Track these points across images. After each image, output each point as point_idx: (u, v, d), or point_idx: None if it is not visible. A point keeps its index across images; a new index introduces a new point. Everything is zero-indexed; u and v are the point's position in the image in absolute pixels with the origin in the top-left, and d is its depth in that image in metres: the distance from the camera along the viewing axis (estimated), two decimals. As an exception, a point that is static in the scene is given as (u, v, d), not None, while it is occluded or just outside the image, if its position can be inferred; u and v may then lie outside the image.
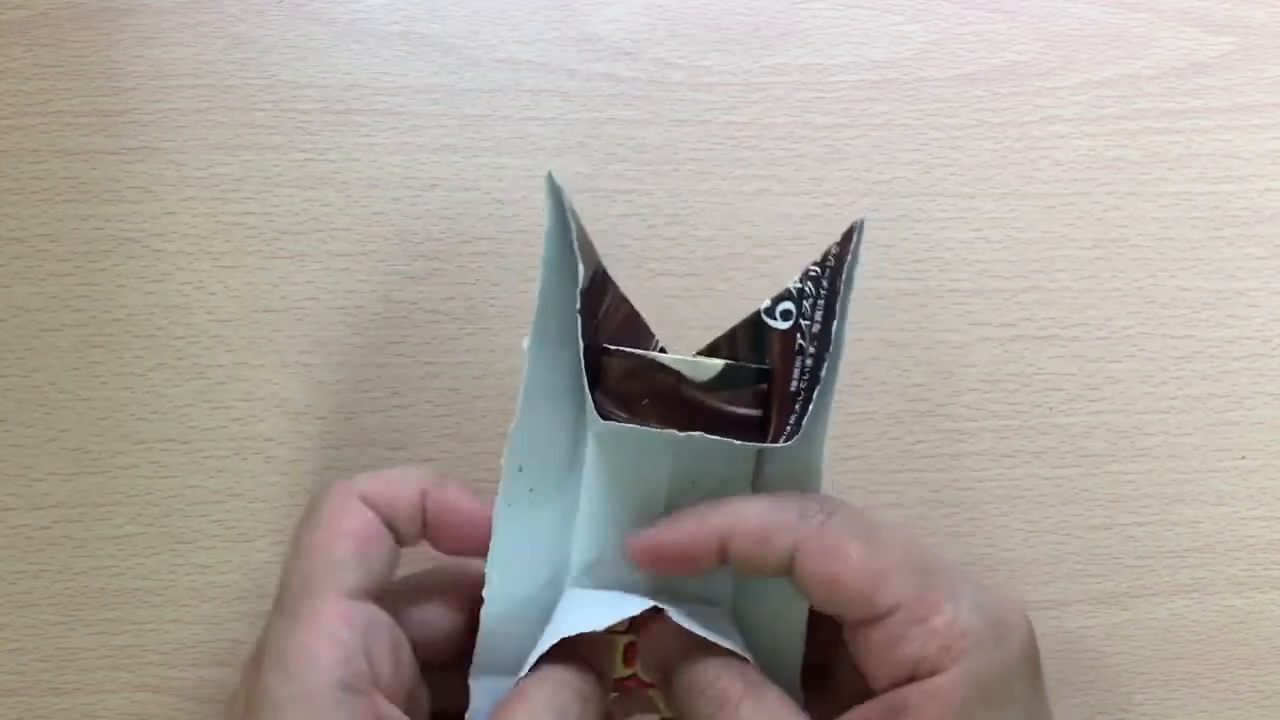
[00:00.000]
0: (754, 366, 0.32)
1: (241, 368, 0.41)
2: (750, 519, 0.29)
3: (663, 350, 0.33)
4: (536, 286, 0.30)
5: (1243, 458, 0.45)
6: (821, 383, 0.30)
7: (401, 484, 0.31)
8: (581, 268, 0.30)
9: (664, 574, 0.31)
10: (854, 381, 0.43)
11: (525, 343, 0.30)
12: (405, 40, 0.42)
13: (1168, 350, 0.45)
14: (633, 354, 0.32)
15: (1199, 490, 0.45)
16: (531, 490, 0.31)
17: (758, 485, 0.32)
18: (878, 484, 0.43)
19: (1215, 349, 0.45)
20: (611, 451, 0.31)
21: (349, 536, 0.30)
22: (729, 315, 0.43)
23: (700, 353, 0.33)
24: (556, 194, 0.30)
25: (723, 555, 0.30)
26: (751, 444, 0.31)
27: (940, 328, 0.44)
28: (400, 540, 0.31)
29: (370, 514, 0.31)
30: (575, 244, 0.30)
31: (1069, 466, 0.44)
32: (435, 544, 0.32)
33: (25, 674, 0.40)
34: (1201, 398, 0.45)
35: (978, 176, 0.44)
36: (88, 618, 0.40)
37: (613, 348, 0.32)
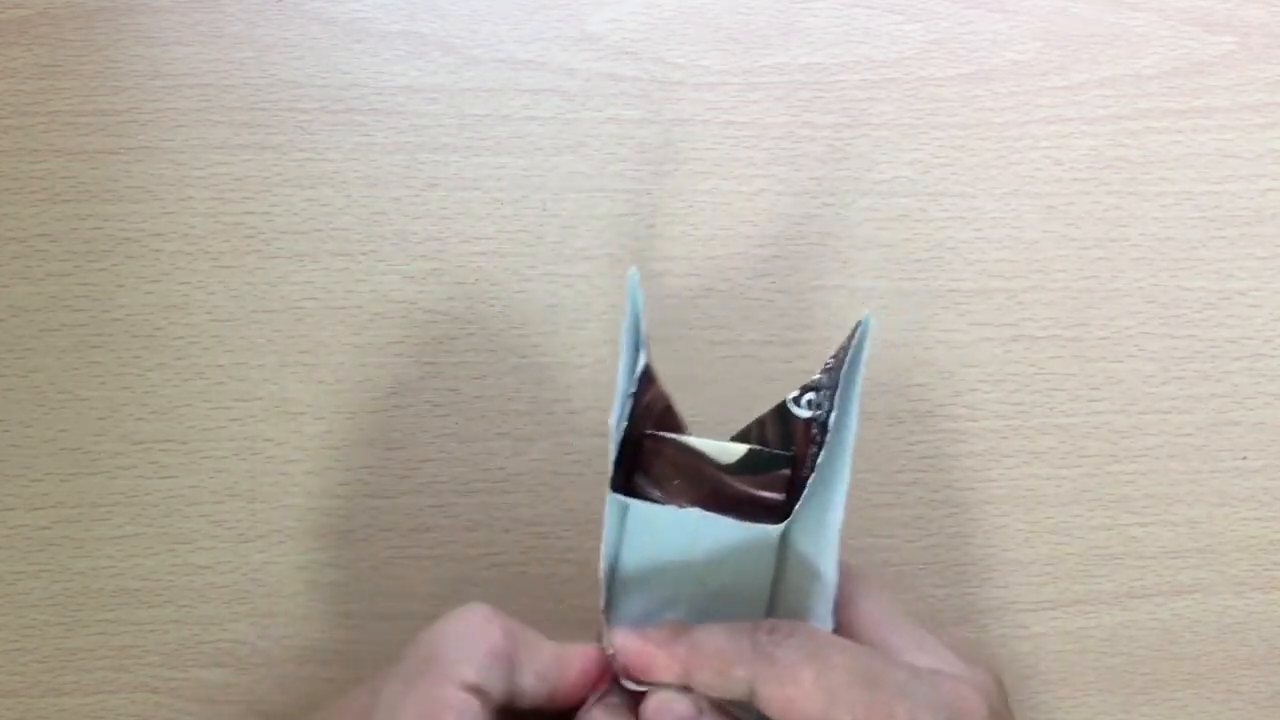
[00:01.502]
0: (778, 453, 0.33)
1: (241, 368, 0.41)
2: (707, 651, 0.31)
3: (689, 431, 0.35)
4: (621, 372, 0.32)
5: (1244, 458, 0.45)
6: (817, 470, 0.31)
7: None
8: (643, 355, 0.32)
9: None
10: (854, 381, 0.43)
11: (612, 420, 0.32)
12: (405, 40, 0.42)
13: (1169, 350, 0.45)
14: (671, 438, 0.34)
15: (1200, 490, 0.45)
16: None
17: (782, 565, 0.33)
18: (877, 484, 0.43)
19: (1216, 349, 0.45)
20: (643, 526, 0.33)
21: (485, 645, 0.31)
22: (729, 315, 0.43)
23: (733, 438, 0.34)
24: (635, 292, 0.32)
25: (686, 679, 0.31)
26: (754, 528, 0.32)
27: (940, 328, 0.44)
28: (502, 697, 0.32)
29: (506, 644, 0.32)
30: (643, 336, 0.32)
31: (1070, 467, 0.44)
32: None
33: (25, 674, 0.40)
34: (1202, 398, 0.45)
35: (978, 176, 0.44)
36: (87, 618, 0.40)
37: (654, 434, 0.34)
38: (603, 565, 0.32)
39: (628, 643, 0.31)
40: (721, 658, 0.30)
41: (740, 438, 0.34)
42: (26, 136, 0.40)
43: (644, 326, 0.33)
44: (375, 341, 0.41)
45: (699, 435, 0.34)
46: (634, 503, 0.32)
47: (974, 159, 0.44)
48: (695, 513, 0.32)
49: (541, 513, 0.42)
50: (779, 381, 0.43)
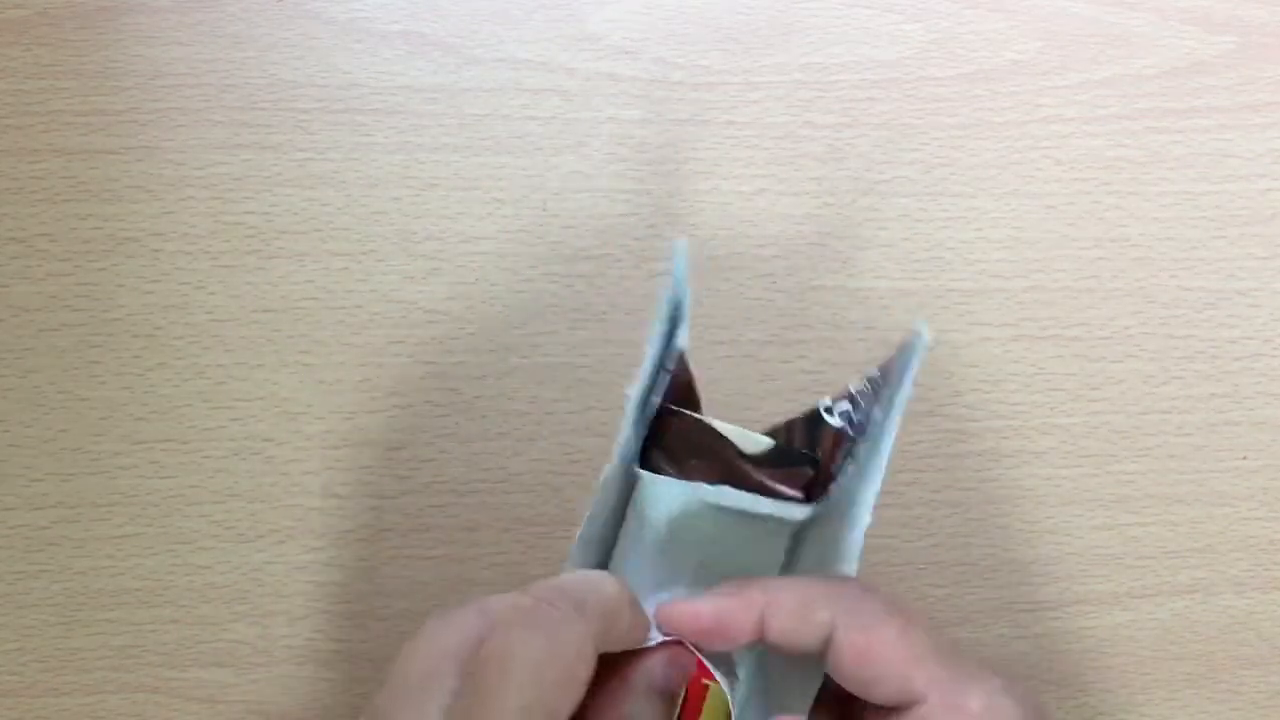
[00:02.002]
0: (805, 452, 0.33)
1: (241, 368, 0.41)
2: (789, 593, 0.29)
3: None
4: (651, 340, 0.31)
5: (1244, 458, 0.45)
6: (857, 462, 0.31)
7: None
8: (683, 332, 0.32)
9: (693, 642, 0.31)
10: (854, 381, 0.43)
11: (629, 389, 0.31)
12: (405, 39, 0.42)
13: (1169, 350, 0.45)
14: (692, 416, 0.33)
15: (1200, 490, 0.45)
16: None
17: (789, 566, 0.33)
18: (878, 484, 0.43)
19: (1216, 349, 0.45)
20: (653, 500, 0.33)
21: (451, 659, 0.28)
22: (729, 315, 0.43)
23: (763, 431, 0.34)
24: (681, 263, 0.31)
25: (759, 631, 0.30)
26: (782, 507, 0.32)
27: (940, 328, 0.44)
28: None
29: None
30: (685, 310, 0.32)
31: (1070, 467, 0.44)
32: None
33: (25, 674, 0.40)
34: (1203, 398, 0.45)
35: (978, 176, 0.44)
36: (87, 618, 0.40)
37: (674, 408, 0.33)
38: (583, 531, 0.31)
39: (698, 608, 0.29)
40: (804, 600, 0.29)
41: (768, 436, 0.34)
42: (26, 136, 0.40)
43: (688, 302, 0.32)
44: (375, 341, 0.41)
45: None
46: (646, 475, 0.32)
47: (974, 159, 0.44)
48: (715, 489, 0.31)
49: (541, 513, 0.42)
50: (779, 381, 0.43)
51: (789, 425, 0.33)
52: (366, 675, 0.42)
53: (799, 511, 0.32)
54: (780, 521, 0.32)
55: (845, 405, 0.33)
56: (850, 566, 0.31)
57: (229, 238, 0.41)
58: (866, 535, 0.44)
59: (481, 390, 0.42)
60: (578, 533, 0.31)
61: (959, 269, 0.44)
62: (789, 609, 0.29)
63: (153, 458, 0.41)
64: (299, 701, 0.42)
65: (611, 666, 0.29)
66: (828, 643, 0.29)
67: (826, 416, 0.33)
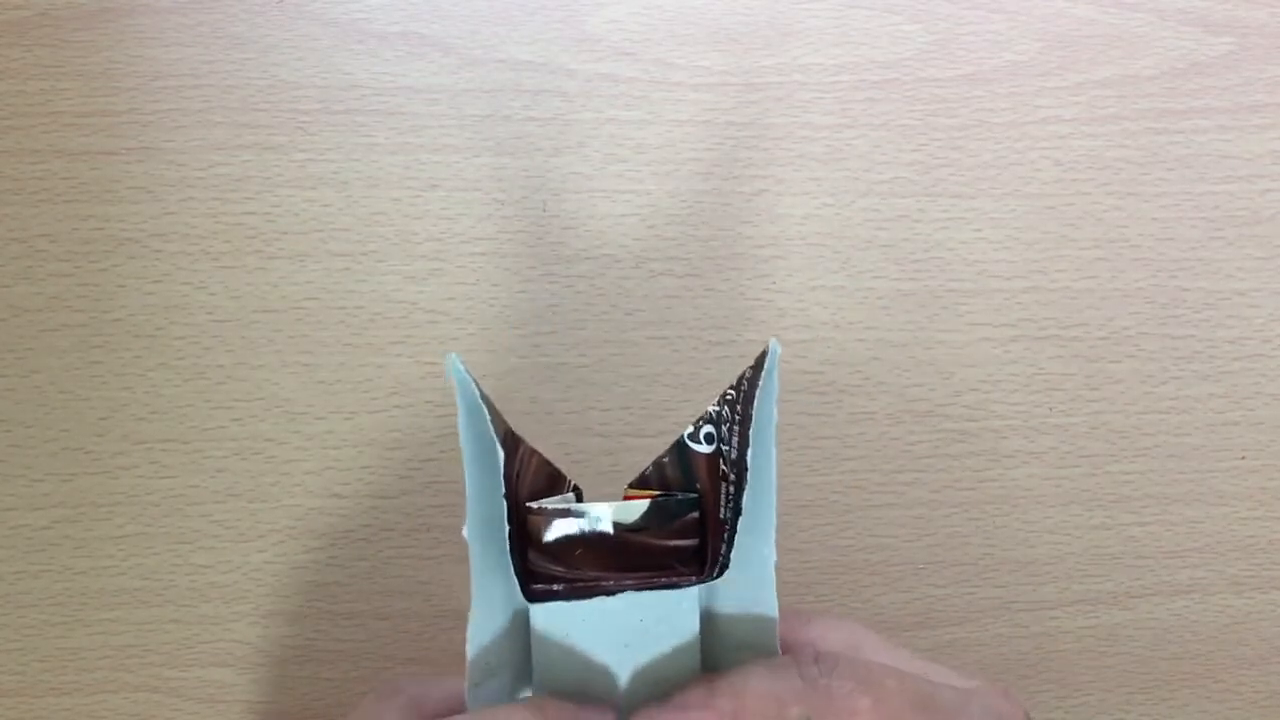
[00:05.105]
0: (680, 498, 0.32)
1: (241, 368, 0.41)
2: (758, 694, 0.29)
3: (578, 490, 0.33)
4: (466, 477, 0.29)
5: (1243, 458, 0.45)
6: (744, 514, 0.30)
7: None
8: (500, 451, 0.29)
9: None
10: (854, 381, 0.43)
11: (465, 531, 0.29)
12: (405, 40, 0.42)
13: (1168, 350, 0.45)
14: (557, 509, 0.31)
15: (1199, 490, 0.45)
16: (495, 677, 0.31)
17: (710, 610, 0.32)
18: (878, 484, 0.43)
19: (1215, 349, 0.45)
20: (555, 622, 0.31)
21: None
22: (729, 315, 0.43)
23: (631, 485, 0.33)
24: (465, 382, 0.29)
25: None
26: (684, 586, 0.30)
27: (940, 328, 0.44)
28: None
29: None
30: (490, 425, 0.29)
31: (1069, 467, 0.44)
32: None
33: (25, 674, 0.40)
34: (1201, 398, 0.45)
35: (978, 176, 0.44)
36: (88, 618, 0.40)
37: (535, 505, 0.31)
38: (472, 654, 0.29)
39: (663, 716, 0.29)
40: (774, 698, 0.29)
41: (640, 484, 0.33)
42: (28, 137, 0.40)
43: (490, 412, 0.30)
44: (375, 341, 0.41)
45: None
46: (536, 608, 0.30)
47: (974, 159, 0.44)
48: (611, 600, 0.30)
49: (542, 513, 0.42)
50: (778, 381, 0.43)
51: (659, 464, 0.33)
52: (366, 675, 0.42)
53: (693, 590, 0.31)
54: (687, 592, 0.31)
55: (708, 428, 0.32)
56: (770, 607, 0.31)
57: (230, 238, 0.41)
58: (866, 536, 0.44)
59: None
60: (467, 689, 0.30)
61: (958, 269, 0.44)
62: (761, 710, 0.29)
63: (154, 458, 0.41)
64: (299, 701, 0.42)
65: None
66: None
67: (693, 445, 0.32)
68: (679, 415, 0.42)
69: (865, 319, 0.43)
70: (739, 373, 0.31)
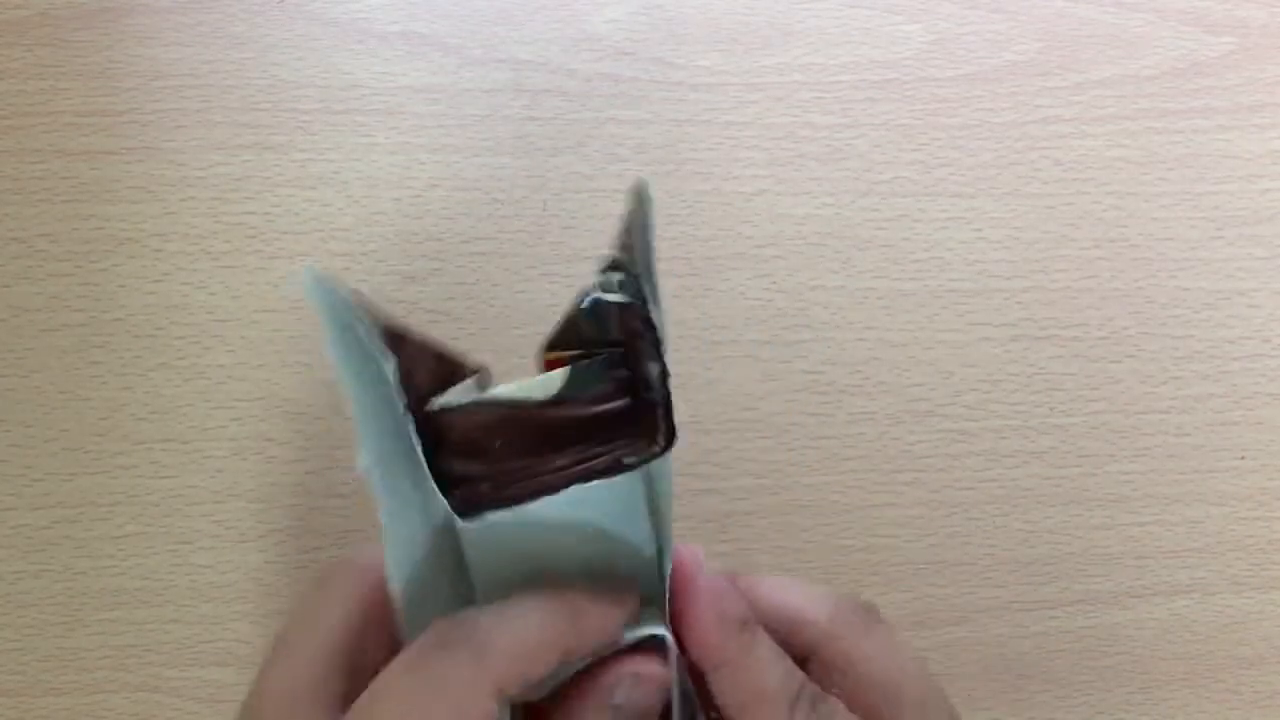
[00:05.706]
0: (604, 355, 0.27)
1: (241, 368, 0.41)
2: (794, 594, 0.30)
3: (482, 371, 0.30)
4: (349, 403, 0.26)
5: (1242, 458, 0.45)
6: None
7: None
8: (384, 359, 0.26)
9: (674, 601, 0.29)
10: (854, 381, 0.43)
11: (359, 463, 0.26)
12: (405, 40, 0.42)
13: (1168, 350, 0.45)
14: (462, 404, 0.27)
15: (1199, 490, 0.45)
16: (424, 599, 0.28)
17: (652, 489, 0.29)
18: (878, 484, 0.43)
19: (1215, 349, 0.45)
20: (491, 535, 0.27)
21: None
22: (729, 315, 0.43)
23: (548, 346, 0.29)
24: (329, 297, 0.26)
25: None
26: (630, 468, 0.27)
27: (940, 328, 0.44)
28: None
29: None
30: (366, 336, 0.26)
31: (1069, 466, 0.44)
32: None
33: (25, 674, 0.40)
34: (1201, 398, 0.45)
35: (978, 176, 0.44)
36: (88, 618, 0.40)
37: (438, 404, 0.27)
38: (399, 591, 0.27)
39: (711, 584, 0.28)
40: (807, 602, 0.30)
41: (556, 344, 0.29)
42: (28, 137, 0.40)
43: (349, 304, 0.26)
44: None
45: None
46: (467, 525, 0.27)
47: (974, 159, 0.44)
48: (543, 503, 0.26)
49: (542, 512, 0.42)
50: (779, 381, 0.43)
51: (573, 323, 0.28)
52: (367, 675, 0.42)
53: (638, 473, 0.27)
54: (630, 478, 0.27)
55: (619, 275, 0.28)
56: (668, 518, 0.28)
57: (230, 238, 0.41)
58: (866, 536, 0.44)
59: (482, 390, 0.42)
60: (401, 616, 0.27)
61: (958, 269, 0.44)
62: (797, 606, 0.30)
63: (154, 457, 0.41)
64: (299, 701, 0.42)
65: (574, 680, 0.28)
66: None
67: (607, 296, 0.28)
68: (678, 415, 0.42)
69: (865, 319, 0.43)
70: (623, 227, 0.29)
